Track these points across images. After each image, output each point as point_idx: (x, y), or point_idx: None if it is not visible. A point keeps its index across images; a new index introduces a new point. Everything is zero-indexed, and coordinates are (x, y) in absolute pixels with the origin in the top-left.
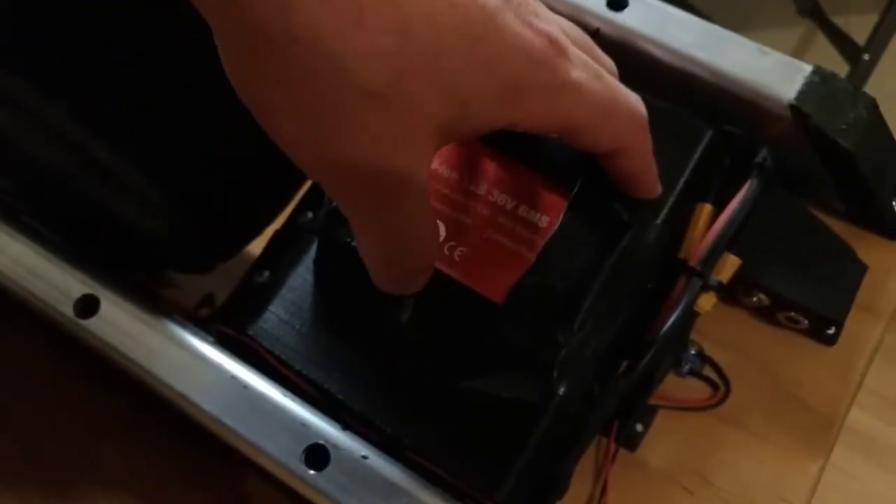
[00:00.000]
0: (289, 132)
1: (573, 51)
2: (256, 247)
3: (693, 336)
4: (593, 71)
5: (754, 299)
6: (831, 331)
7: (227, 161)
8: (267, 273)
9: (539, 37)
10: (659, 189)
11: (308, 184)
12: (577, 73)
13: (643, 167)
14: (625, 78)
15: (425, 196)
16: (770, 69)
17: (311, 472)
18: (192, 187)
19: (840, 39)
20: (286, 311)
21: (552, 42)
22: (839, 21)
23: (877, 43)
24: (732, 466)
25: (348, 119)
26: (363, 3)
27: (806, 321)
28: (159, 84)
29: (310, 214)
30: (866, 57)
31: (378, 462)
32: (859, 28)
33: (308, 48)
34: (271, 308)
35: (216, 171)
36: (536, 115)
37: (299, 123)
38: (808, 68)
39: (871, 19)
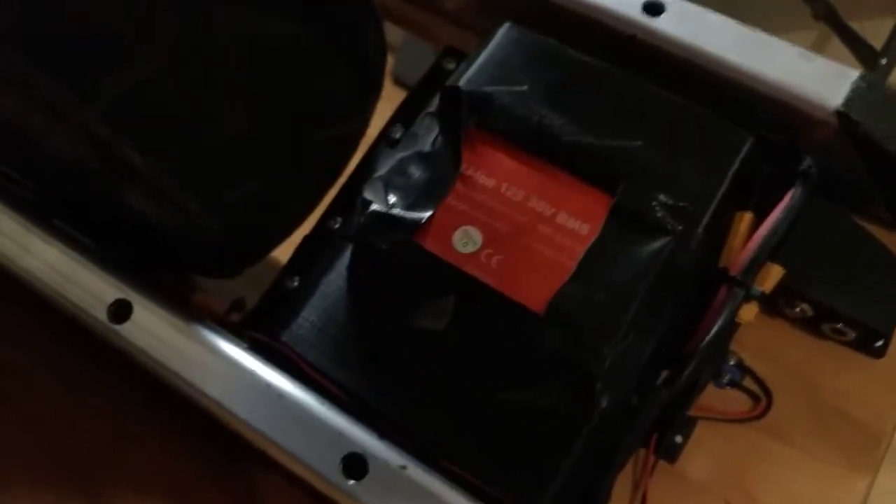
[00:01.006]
0: None
1: None
2: (280, 251)
3: (733, 347)
4: None
5: (797, 310)
6: (879, 343)
7: (255, 165)
8: (297, 279)
9: None
10: None
11: (337, 189)
12: None
13: None
14: (663, 84)
15: None
16: (814, 74)
17: (350, 481)
18: (221, 191)
19: (856, 43)
20: (319, 317)
21: None
22: (855, 25)
23: (895, 46)
24: (775, 481)
25: None
26: None
27: (853, 333)
28: (190, 90)
29: (340, 220)
30: (884, 61)
31: (417, 472)
32: (875, 32)
33: None
34: (304, 314)
35: (244, 175)
36: None
37: None
38: (855, 74)
39: (888, 23)
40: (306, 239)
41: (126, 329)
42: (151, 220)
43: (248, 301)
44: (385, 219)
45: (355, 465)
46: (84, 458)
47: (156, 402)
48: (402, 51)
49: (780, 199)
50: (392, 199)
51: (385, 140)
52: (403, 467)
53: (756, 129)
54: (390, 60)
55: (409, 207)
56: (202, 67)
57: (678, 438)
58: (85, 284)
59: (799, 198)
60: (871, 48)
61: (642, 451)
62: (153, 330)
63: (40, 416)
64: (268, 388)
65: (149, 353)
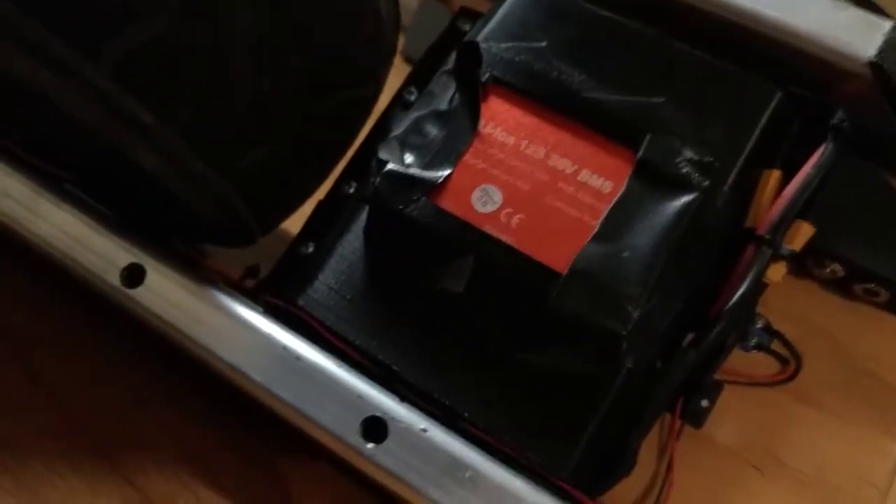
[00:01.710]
0: None
1: None
2: (289, 223)
3: (760, 309)
4: None
5: (828, 270)
6: None
7: (269, 130)
8: (312, 244)
9: None
10: None
11: (350, 154)
12: None
13: None
14: (687, 39)
15: None
16: (846, 25)
17: (370, 445)
18: (235, 156)
19: (873, 11)
20: (336, 280)
21: None
22: None
23: None
24: (805, 445)
25: None
26: None
27: (886, 293)
28: (202, 49)
29: (354, 184)
30: None
31: (438, 435)
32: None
33: None
34: (321, 278)
35: (258, 140)
36: None
37: None
38: (888, 24)
39: None
40: (320, 205)
41: (139, 293)
42: (163, 186)
43: (262, 270)
44: (401, 178)
45: (375, 428)
46: (99, 425)
47: (172, 371)
48: (413, 28)
49: (810, 155)
50: (408, 158)
51: (399, 103)
52: (424, 430)
53: (785, 84)
54: (400, 38)
55: (426, 166)
56: (214, 26)
57: (704, 403)
58: (97, 249)
59: (831, 152)
60: (887, 16)
61: (668, 417)
62: (167, 294)
63: (55, 383)
64: (284, 351)
65: (163, 318)
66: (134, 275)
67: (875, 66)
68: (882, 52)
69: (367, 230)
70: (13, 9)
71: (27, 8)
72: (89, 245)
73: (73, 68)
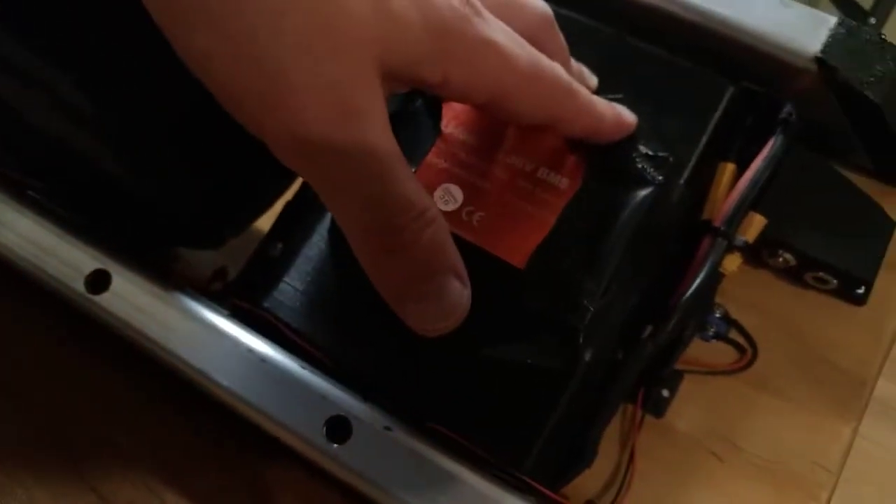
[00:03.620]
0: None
1: (490, 16)
2: (263, 221)
3: (718, 299)
4: (514, 38)
5: (780, 260)
6: (860, 290)
7: (237, 133)
8: (280, 245)
9: None
10: (627, 121)
11: None
12: (495, 34)
13: (591, 125)
14: (642, 35)
15: (392, 148)
16: (793, 21)
17: (334, 445)
18: (202, 160)
19: (845, 4)
20: (302, 282)
21: (469, 2)
22: None
23: (882, 6)
24: (763, 431)
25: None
26: None
27: (834, 281)
28: (167, 56)
29: None
30: (872, 21)
31: (402, 434)
32: None
33: None
34: (286, 279)
35: (226, 143)
36: (462, 69)
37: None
38: (833, 20)
39: None
40: (288, 205)
41: (104, 299)
42: (132, 193)
43: (232, 271)
44: None
45: (339, 427)
46: (67, 433)
47: (144, 377)
48: None
49: (762, 148)
50: None
51: None
52: (388, 429)
53: (738, 79)
54: None
55: None
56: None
57: (665, 392)
58: (62, 256)
59: (779, 146)
60: (860, 8)
61: (630, 407)
62: (132, 299)
63: (21, 390)
64: (249, 353)
65: (128, 323)
66: (99, 281)
67: (820, 61)
68: (827, 47)
69: (332, 231)
70: None
71: None
72: (54, 252)
73: (38, 77)
